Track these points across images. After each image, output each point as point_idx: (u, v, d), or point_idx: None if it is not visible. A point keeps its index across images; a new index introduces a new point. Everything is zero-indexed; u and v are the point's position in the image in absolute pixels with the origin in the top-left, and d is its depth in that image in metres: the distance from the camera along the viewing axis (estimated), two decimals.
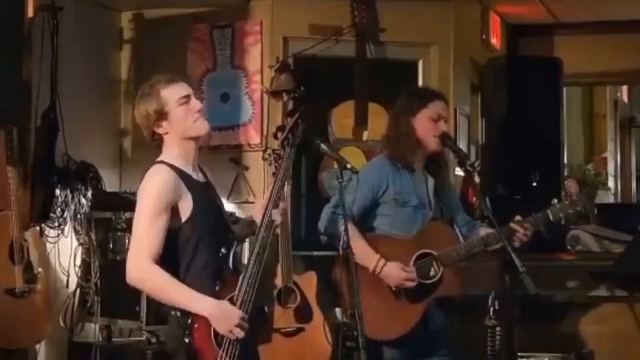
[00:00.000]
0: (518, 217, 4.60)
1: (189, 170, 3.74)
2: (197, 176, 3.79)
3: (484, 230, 4.70)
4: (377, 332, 4.42)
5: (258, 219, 3.89)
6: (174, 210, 3.63)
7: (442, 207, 4.79)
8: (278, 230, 5.62)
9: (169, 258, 3.62)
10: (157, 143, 3.78)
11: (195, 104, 3.76)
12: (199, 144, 3.81)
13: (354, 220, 4.52)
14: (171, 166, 3.69)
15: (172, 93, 3.73)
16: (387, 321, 4.53)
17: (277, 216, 3.85)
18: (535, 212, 4.62)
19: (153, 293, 3.67)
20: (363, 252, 4.52)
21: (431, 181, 4.74)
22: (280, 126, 4.10)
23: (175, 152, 3.74)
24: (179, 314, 3.62)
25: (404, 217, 4.65)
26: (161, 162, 3.72)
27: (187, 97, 3.74)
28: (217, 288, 3.66)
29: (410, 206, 4.66)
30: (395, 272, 4.53)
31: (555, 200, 4.60)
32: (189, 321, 3.59)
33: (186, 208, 3.66)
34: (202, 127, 3.77)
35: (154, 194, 3.62)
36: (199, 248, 3.67)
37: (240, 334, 3.59)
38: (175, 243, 3.65)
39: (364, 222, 4.63)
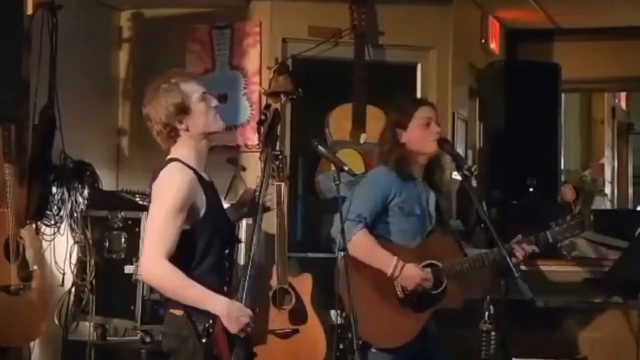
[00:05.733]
0: (519, 237, 4.66)
1: (200, 170, 3.74)
2: (206, 176, 3.80)
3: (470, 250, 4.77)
4: (380, 339, 4.44)
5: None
6: (190, 211, 3.62)
7: (439, 219, 4.84)
8: (274, 231, 5.64)
9: (179, 258, 3.61)
10: (169, 140, 3.73)
11: (213, 100, 3.79)
12: (210, 142, 3.81)
13: (366, 225, 4.54)
14: (187, 166, 3.68)
15: (194, 88, 3.74)
16: (391, 329, 4.54)
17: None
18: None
19: (168, 291, 3.63)
20: (381, 256, 4.54)
21: (432, 195, 4.78)
22: (262, 120, 4.07)
23: (188, 151, 3.72)
24: (180, 313, 3.62)
25: (407, 226, 4.67)
26: (177, 160, 3.70)
27: (205, 93, 3.77)
28: (225, 289, 3.68)
29: (414, 216, 4.69)
30: (414, 274, 4.53)
31: (554, 224, 4.69)
32: (206, 323, 3.58)
33: (200, 209, 3.66)
34: (220, 123, 3.79)
35: (174, 193, 3.59)
36: (208, 249, 3.68)
37: (249, 331, 3.62)
38: (186, 243, 3.63)
39: (371, 228, 4.64)
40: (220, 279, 3.70)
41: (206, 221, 3.67)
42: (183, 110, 3.69)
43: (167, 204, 3.59)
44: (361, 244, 4.45)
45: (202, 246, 3.67)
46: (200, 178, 3.70)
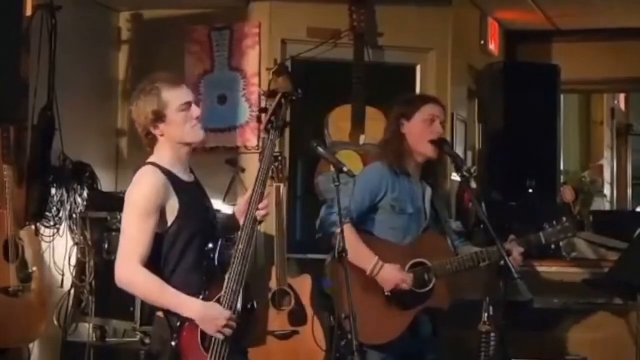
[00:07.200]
0: (512, 237, 4.65)
1: (178, 171, 3.73)
2: (188, 177, 3.78)
3: (470, 248, 4.73)
4: (366, 336, 4.43)
5: (239, 216, 3.88)
6: (162, 213, 3.63)
7: (435, 217, 4.81)
8: (273, 233, 5.63)
9: (157, 259, 3.63)
10: (149, 142, 3.75)
11: (195, 111, 3.74)
12: (192, 148, 3.79)
13: (352, 221, 4.52)
14: (160, 168, 3.68)
15: (175, 97, 3.70)
16: (377, 326, 4.52)
17: (260, 213, 3.80)
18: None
19: (142, 296, 3.71)
20: (361, 254, 4.51)
21: (429, 192, 4.76)
22: (263, 108, 3.96)
23: (167, 154, 3.72)
24: (162, 315, 3.63)
25: (398, 224, 4.65)
26: (151, 163, 3.71)
27: (189, 103, 3.72)
28: (207, 290, 3.65)
29: (406, 214, 4.67)
30: (392, 275, 4.51)
31: (547, 225, 4.67)
32: (178, 324, 3.59)
33: (173, 210, 3.65)
34: (198, 135, 3.75)
35: (143, 197, 3.61)
36: (187, 249, 3.68)
37: (228, 333, 3.59)
38: (162, 245, 3.64)
39: (360, 224, 4.63)
40: (201, 279, 3.67)
41: (182, 223, 3.66)
42: (159, 117, 3.69)
43: (137, 208, 3.61)
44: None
45: (180, 248, 3.67)
46: (176, 180, 3.69)
